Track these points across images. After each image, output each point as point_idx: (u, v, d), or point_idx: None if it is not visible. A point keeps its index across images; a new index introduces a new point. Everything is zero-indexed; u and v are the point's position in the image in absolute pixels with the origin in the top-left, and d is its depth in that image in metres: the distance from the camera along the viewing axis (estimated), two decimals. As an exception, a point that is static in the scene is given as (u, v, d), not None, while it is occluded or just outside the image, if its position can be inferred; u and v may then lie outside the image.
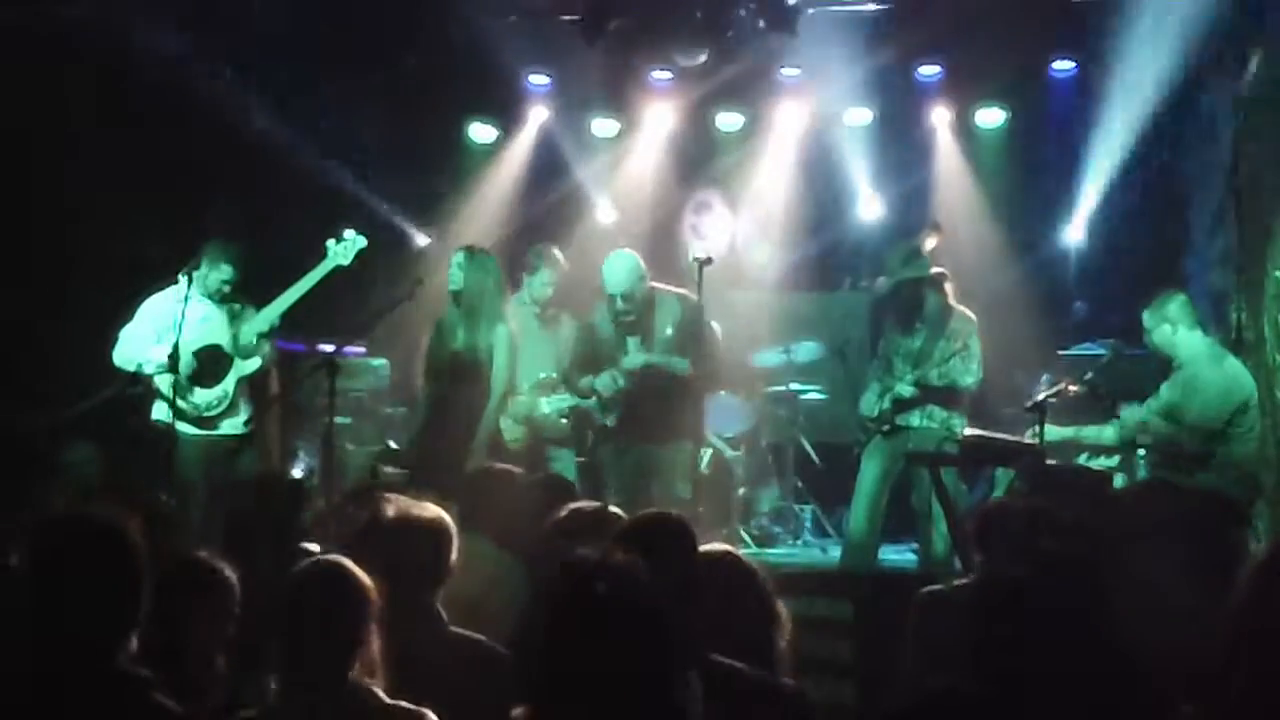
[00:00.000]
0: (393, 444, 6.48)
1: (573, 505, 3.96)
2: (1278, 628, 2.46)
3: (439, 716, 2.84)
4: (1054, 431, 6.56)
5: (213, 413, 6.83)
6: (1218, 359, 6.39)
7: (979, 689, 2.73)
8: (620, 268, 6.82)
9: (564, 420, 7.37)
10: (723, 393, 8.62)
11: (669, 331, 6.85)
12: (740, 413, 8.83)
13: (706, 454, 7.81)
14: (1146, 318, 6.48)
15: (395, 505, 3.46)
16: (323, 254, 6.90)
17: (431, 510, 3.51)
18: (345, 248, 6.91)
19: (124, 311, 6.92)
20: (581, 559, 2.34)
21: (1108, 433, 6.71)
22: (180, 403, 6.69)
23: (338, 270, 6.92)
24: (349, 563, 2.92)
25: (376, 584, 2.90)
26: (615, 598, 2.21)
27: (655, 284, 6.94)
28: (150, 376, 6.76)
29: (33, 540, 2.71)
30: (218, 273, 6.86)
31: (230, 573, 3.30)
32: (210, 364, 6.85)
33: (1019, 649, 2.78)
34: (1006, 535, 3.86)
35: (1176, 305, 6.44)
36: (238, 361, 6.86)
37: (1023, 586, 2.91)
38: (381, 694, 2.82)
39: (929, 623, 3.96)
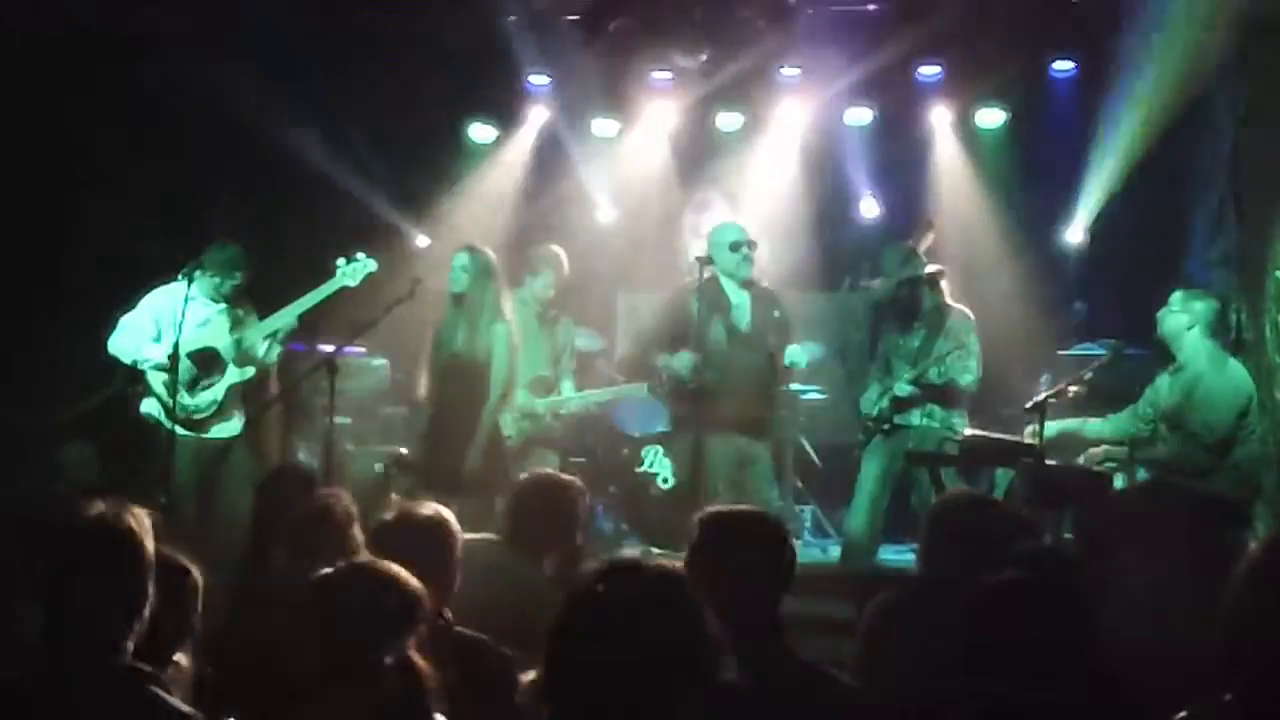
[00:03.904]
0: (403, 450, 6.48)
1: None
2: (1276, 627, 2.46)
3: (443, 716, 2.85)
4: (1055, 425, 6.56)
5: (201, 415, 6.82)
6: (1219, 363, 6.38)
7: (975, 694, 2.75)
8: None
9: (555, 421, 7.37)
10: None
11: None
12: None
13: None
14: (1174, 300, 6.49)
15: (398, 506, 3.48)
16: (331, 271, 6.87)
17: (434, 511, 3.53)
18: (355, 269, 6.86)
19: (123, 311, 6.91)
20: (618, 559, 2.36)
21: (1106, 426, 6.73)
22: (172, 402, 6.68)
23: (344, 290, 6.90)
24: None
25: None
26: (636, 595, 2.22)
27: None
28: (145, 372, 6.76)
29: (37, 539, 2.71)
30: (231, 280, 6.87)
31: (197, 574, 3.25)
32: (204, 367, 6.84)
33: (1006, 655, 2.79)
34: (960, 536, 3.85)
35: (1205, 306, 6.45)
36: (231, 368, 6.85)
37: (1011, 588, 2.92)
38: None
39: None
